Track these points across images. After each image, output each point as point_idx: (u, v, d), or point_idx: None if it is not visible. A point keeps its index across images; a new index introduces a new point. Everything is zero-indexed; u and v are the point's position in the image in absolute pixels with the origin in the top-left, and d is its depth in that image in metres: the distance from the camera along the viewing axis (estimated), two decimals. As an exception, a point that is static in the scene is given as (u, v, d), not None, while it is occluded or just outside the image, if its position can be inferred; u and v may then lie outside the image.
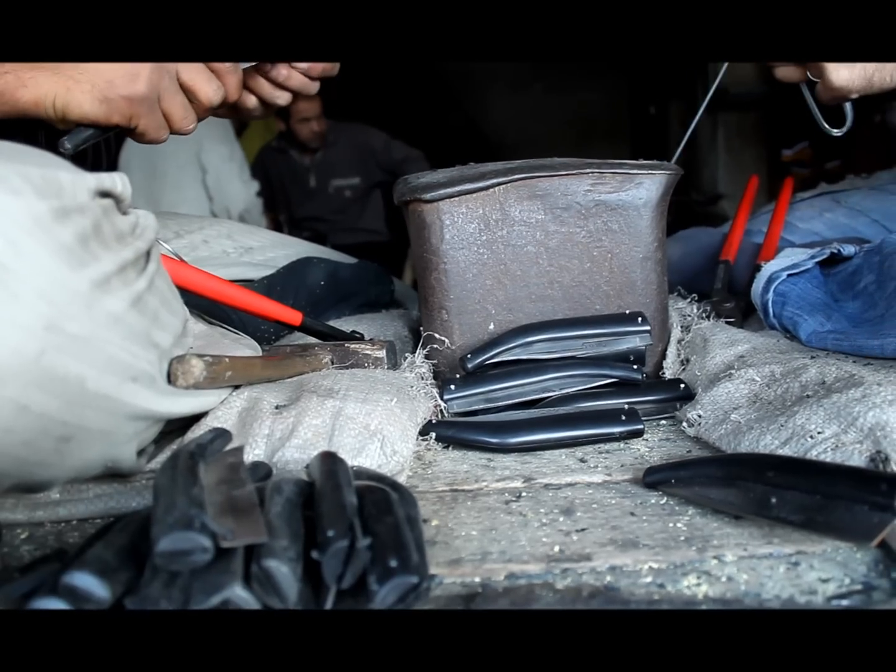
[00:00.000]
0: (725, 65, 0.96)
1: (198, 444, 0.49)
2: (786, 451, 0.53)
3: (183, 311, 0.60)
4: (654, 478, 0.55)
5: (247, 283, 1.02)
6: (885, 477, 0.43)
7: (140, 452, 0.56)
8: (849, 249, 0.84)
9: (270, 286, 1.03)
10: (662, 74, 4.73)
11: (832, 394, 0.56)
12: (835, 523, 0.43)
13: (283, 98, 0.84)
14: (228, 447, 0.55)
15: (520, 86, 5.28)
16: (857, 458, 0.50)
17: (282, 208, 3.41)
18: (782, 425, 0.55)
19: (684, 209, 3.57)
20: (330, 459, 0.48)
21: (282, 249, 1.14)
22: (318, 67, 0.83)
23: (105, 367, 0.43)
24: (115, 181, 0.48)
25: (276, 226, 3.29)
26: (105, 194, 0.47)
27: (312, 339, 0.84)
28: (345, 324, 0.98)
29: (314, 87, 0.85)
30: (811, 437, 0.53)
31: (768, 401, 0.62)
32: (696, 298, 0.94)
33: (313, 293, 1.05)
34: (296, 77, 0.83)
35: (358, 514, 0.42)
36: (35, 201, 0.40)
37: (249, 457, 0.58)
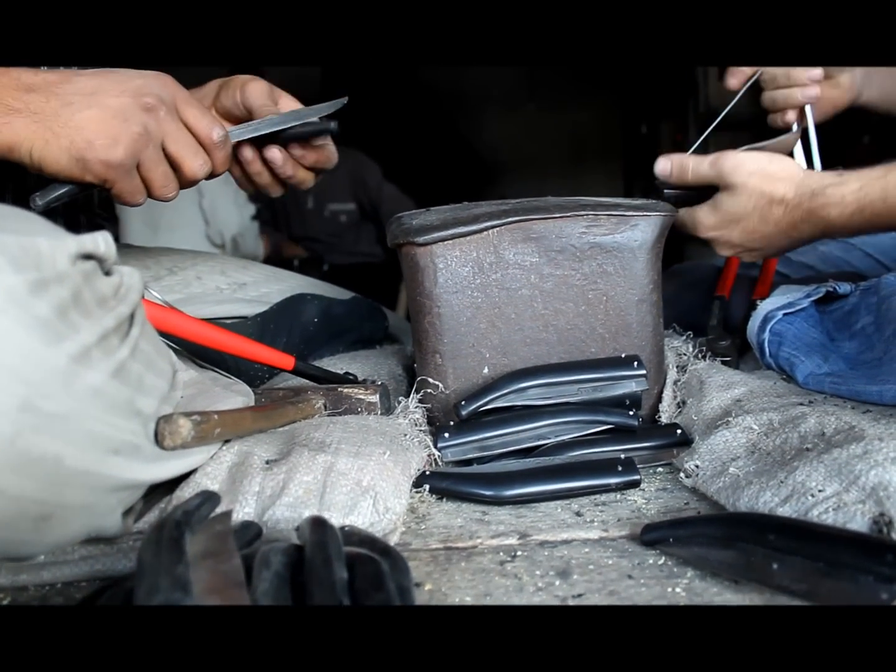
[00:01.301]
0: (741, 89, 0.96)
1: (184, 511, 0.47)
2: (786, 510, 0.52)
3: (170, 368, 0.59)
4: (652, 536, 0.54)
5: (240, 321, 1.01)
6: (891, 546, 0.42)
7: (127, 511, 0.54)
8: (844, 288, 0.84)
9: (264, 323, 1.02)
10: (653, 94, 4.76)
11: (832, 448, 0.55)
12: (839, 595, 0.42)
13: (276, 191, 0.87)
14: (218, 509, 0.54)
15: (513, 105, 5.30)
16: (859, 519, 0.49)
17: (281, 227, 3.42)
18: (782, 481, 0.54)
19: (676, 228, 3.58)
20: (320, 529, 0.46)
21: (276, 284, 1.13)
22: (310, 157, 0.84)
23: (84, 443, 0.42)
24: (98, 242, 0.47)
25: (276, 249, 3.28)
26: (88, 256, 0.46)
27: (305, 380, 0.83)
28: (338, 361, 0.97)
29: (307, 177, 0.86)
30: (812, 495, 0.52)
31: (767, 451, 0.61)
32: (692, 335, 0.93)
33: (307, 330, 1.04)
34: (290, 166, 0.84)
35: (348, 590, 0.41)
36: (10, 275, 0.39)
37: (239, 515, 0.57)
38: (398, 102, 4.84)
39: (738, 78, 0.93)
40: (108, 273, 0.49)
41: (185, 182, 0.75)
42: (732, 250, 0.84)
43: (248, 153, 0.84)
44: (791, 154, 0.88)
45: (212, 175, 0.78)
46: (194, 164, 0.73)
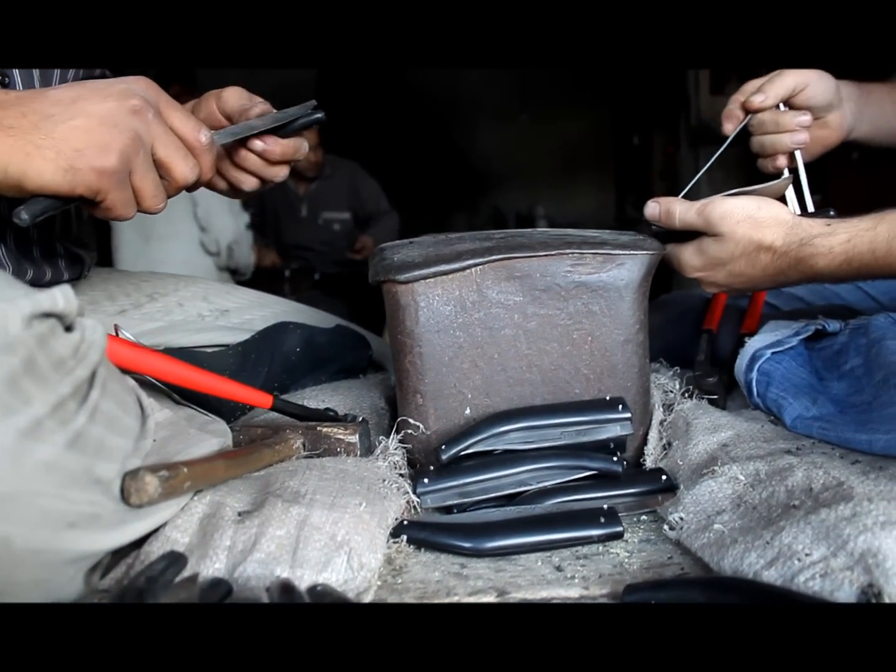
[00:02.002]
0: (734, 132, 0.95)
1: (147, 577, 0.46)
2: (771, 573, 0.51)
3: (137, 422, 0.56)
4: (633, 598, 0.52)
5: (221, 349, 0.99)
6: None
7: (93, 567, 0.53)
8: (833, 326, 0.83)
9: (245, 353, 1.00)
10: (645, 106, 4.78)
11: (820, 508, 0.54)
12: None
13: (248, 183, 0.83)
14: (190, 558, 0.52)
15: (506, 116, 5.31)
16: (847, 588, 0.47)
17: (269, 235, 3.41)
18: (768, 542, 0.53)
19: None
20: (288, 597, 0.45)
21: (259, 311, 1.12)
22: (276, 151, 0.81)
23: (36, 521, 0.40)
24: (56, 299, 0.44)
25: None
26: (45, 314, 0.44)
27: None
28: (321, 392, 0.96)
29: (276, 171, 0.84)
30: (798, 559, 0.50)
31: (753, 505, 0.60)
32: (679, 370, 0.92)
33: (289, 360, 1.02)
34: (252, 159, 0.81)
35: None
36: None
37: (210, 570, 0.55)
38: (393, 113, 4.84)
39: (732, 123, 0.93)
40: (68, 328, 0.47)
41: (172, 190, 0.72)
42: (718, 289, 0.83)
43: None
44: (783, 198, 0.87)
45: (197, 182, 0.75)
46: (185, 168, 0.69)
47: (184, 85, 2.91)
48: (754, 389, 0.80)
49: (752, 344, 0.83)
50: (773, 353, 0.81)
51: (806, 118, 0.90)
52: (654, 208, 0.81)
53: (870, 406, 0.71)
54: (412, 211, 4.70)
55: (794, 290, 1.08)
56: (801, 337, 0.82)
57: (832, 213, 0.82)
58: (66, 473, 0.42)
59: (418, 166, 5.00)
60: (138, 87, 0.67)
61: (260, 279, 3.09)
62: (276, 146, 0.81)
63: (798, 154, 0.92)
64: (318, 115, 0.84)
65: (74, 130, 0.62)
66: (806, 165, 0.94)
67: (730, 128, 0.93)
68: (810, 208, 0.90)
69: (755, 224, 0.75)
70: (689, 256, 0.80)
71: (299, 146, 0.84)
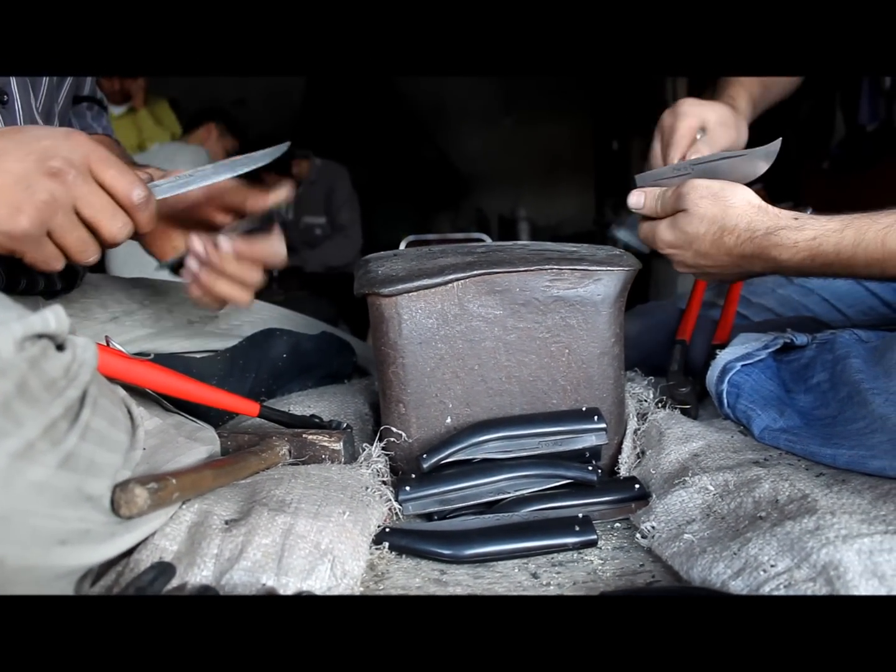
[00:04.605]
0: None
1: (136, 587, 0.47)
2: (738, 584, 0.53)
3: (127, 436, 0.58)
4: (607, 605, 0.55)
5: (210, 355, 1.01)
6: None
7: (84, 575, 0.54)
8: (801, 339, 0.86)
9: (233, 359, 1.02)
10: (625, 112, 4.83)
11: (785, 520, 0.56)
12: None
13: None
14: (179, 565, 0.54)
15: (490, 120, 5.35)
16: (807, 597, 0.50)
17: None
18: (735, 553, 0.55)
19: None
20: (275, 606, 0.47)
21: (247, 316, 1.13)
22: (251, 251, 0.80)
23: (28, 540, 0.41)
24: (48, 320, 0.45)
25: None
26: (38, 335, 0.45)
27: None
28: (307, 398, 0.97)
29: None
30: (764, 570, 0.53)
31: (721, 515, 0.62)
32: (653, 380, 0.95)
33: (275, 366, 1.04)
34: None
35: None
36: None
37: (197, 578, 0.56)
38: (379, 116, 4.85)
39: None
40: (60, 346, 0.48)
41: (105, 245, 0.69)
42: (688, 269, 0.84)
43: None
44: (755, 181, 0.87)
45: (136, 236, 0.72)
46: (112, 227, 0.67)
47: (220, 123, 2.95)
48: (724, 400, 0.83)
49: (723, 356, 0.86)
50: (742, 366, 0.84)
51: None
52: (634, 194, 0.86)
53: (834, 420, 0.74)
54: (397, 212, 4.70)
55: (763, 302, 1.11)
56: (770, 350, 0.86)
57: (810, 211, 0.83)
58: (58, 492, 0.43)
59: (403, 169, 5.02)
60: (64, 146, 0.64)
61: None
62: (246, 248, 0.80)
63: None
64: (278, 153, 0.78)
65: None
66: (780, 175, 0.96)
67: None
68: None
69: (717, 200, 0.76)
70: (662, 230, 0.82)
71: (274, 250, 0.82)
